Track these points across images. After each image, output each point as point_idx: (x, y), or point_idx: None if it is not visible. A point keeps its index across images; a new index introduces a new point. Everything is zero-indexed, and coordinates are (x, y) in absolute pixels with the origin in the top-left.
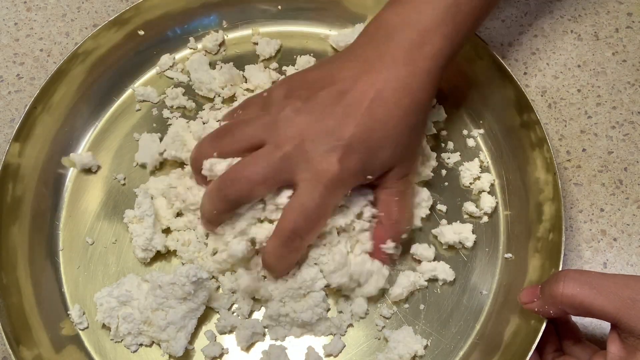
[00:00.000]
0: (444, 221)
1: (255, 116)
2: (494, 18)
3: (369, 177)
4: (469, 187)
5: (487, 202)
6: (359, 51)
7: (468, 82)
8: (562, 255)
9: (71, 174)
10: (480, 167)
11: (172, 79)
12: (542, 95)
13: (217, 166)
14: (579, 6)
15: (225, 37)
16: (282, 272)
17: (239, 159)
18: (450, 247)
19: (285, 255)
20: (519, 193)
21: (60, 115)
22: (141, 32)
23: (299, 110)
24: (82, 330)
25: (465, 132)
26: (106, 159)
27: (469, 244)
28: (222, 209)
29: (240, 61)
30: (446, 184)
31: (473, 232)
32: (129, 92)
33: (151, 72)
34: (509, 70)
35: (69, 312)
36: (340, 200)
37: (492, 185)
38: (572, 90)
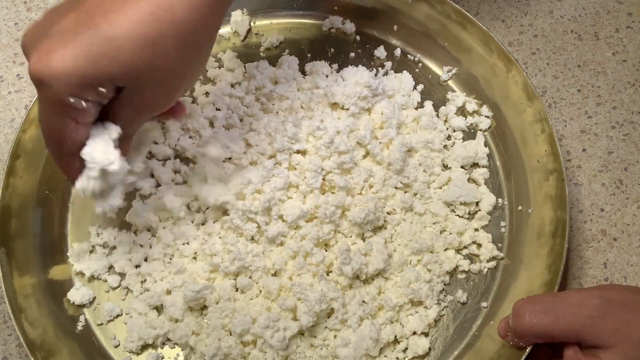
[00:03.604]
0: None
1: None
2: (494, 18)
3: (101, 88)
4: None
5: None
6: None
7: (487, 95)
8: (563, 259)
9: None
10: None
11: None
12: (542, 95)
13: None
14: (579, 6)
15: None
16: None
17: None
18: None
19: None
20: (525, 196)
21: None
22: None
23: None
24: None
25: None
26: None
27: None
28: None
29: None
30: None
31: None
32: None
33: None
34: (533, 86)
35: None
36: (79, 106)
37: (498, 186)
38: (572, 90)
